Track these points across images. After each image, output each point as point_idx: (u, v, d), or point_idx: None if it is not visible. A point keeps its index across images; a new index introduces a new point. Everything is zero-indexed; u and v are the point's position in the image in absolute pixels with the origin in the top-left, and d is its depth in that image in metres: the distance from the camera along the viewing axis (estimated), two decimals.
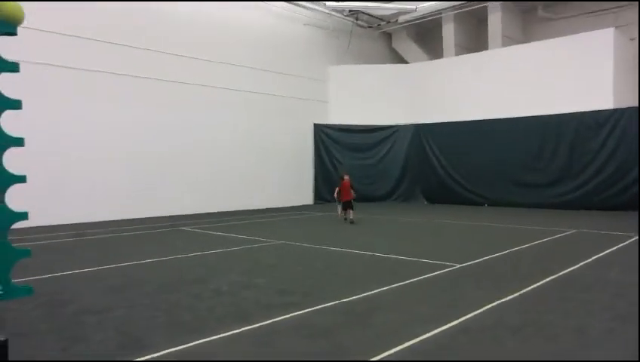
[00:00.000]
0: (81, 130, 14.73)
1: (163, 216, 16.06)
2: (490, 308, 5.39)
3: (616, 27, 18.06)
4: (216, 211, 17.75)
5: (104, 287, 6.65)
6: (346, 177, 14.67)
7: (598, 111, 17.21)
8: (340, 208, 14.84)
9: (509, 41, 21.22)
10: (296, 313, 5.27)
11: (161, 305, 5.75)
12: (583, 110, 17.47)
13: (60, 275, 7.44)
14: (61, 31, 14.25)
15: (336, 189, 14.89)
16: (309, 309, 5.41)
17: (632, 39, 19.01)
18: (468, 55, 21.65)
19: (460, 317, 5.00)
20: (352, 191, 14.34)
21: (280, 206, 20.08)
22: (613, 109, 17.02)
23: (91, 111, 14.97)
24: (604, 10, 20.15)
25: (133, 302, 5.88)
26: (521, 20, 22.68)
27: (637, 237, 10.50)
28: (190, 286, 6.67)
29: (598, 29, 17.94)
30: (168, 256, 9.01)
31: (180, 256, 8.97)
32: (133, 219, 15.25)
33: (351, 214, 14.27)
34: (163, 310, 5.52)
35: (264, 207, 19.39)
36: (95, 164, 14.99)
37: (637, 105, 17.32)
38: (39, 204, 13.21)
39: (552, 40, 18.94)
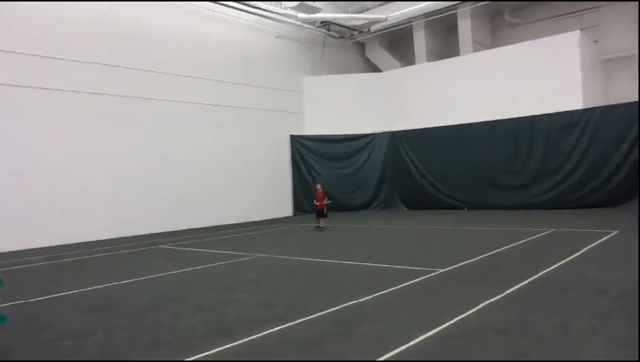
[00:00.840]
0: (52, 152, 14.40)
1: (141, 235, 15.78)
2: (474, 311, 5.40)
3: (581, 30, 18.55)
4: (195, 227, 17.52)
5: (83, 310, 6.46)
6: (319, 186, 15.43)
7: (569, 111, 17.57)
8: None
9: (479, 46, 21.62)
10: (280, 326, 5.19)
11: (142, 325, 5.61)
12: (553, 111, 17.82)
13: (36, 300, 7.21)
14: (27, 51, 13.97)
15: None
16: (293, 322, 5.34)
17: (595, 41, 19.55)
18: (440, 61, 21.96)
19: (444, 323, 4.99)
20: (323, 201, 14.96)
21: (260, 219, 19.94)
22: (583, 109, 17.41)
23: (62, 132, 14.68)
24: (568, 13, 20.74)
25: (112, 323, 5.73)
26: (490, 26, 23.15)
27: (613, 234, 10.72)
28: (171, 304, 6.53)
29: (563, 32, 18.39)
30: (147, 275, 8.83)
31: (159, 275, 8.80)
32: (111, 239, 14.94)
33: (320, 222, 14.85)
34: (144, 330, 5.39)
35: (244, 221, 19.23)
36: (69, 186, 14.66)
37: (605, 104, 17.81)
38: (11, 229, 12.89)
39: (521, 44, 19.34)
